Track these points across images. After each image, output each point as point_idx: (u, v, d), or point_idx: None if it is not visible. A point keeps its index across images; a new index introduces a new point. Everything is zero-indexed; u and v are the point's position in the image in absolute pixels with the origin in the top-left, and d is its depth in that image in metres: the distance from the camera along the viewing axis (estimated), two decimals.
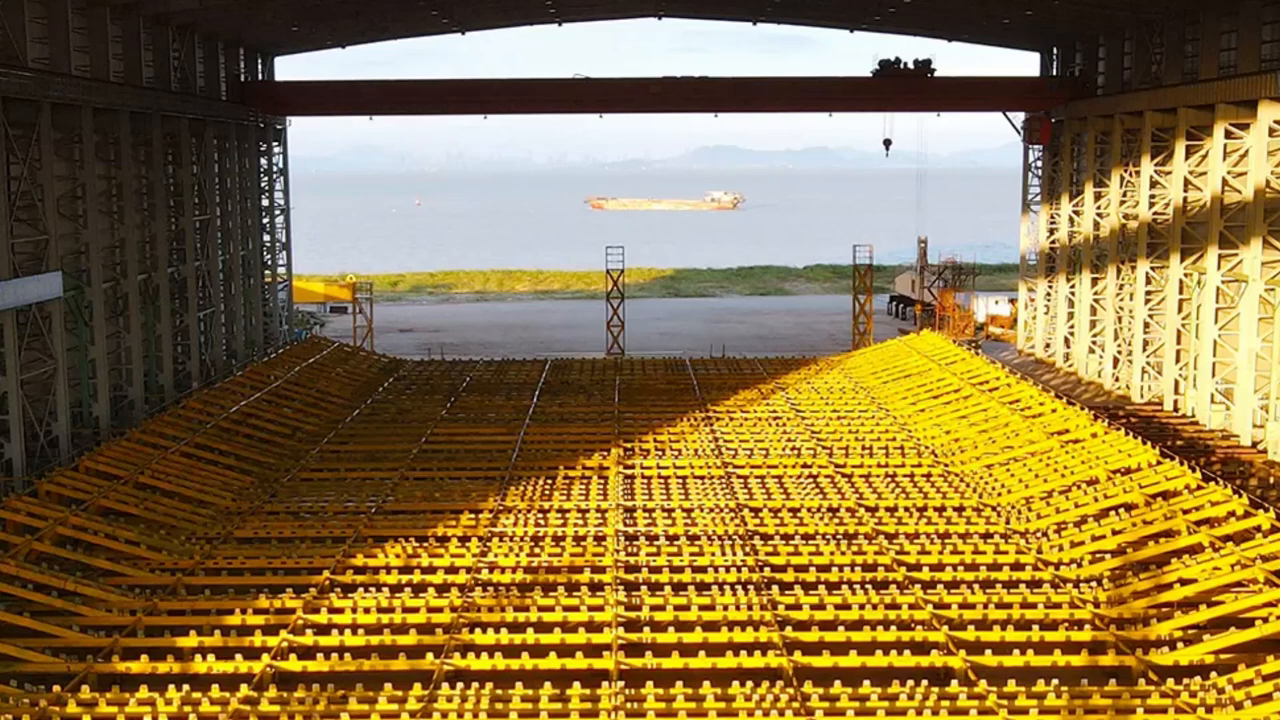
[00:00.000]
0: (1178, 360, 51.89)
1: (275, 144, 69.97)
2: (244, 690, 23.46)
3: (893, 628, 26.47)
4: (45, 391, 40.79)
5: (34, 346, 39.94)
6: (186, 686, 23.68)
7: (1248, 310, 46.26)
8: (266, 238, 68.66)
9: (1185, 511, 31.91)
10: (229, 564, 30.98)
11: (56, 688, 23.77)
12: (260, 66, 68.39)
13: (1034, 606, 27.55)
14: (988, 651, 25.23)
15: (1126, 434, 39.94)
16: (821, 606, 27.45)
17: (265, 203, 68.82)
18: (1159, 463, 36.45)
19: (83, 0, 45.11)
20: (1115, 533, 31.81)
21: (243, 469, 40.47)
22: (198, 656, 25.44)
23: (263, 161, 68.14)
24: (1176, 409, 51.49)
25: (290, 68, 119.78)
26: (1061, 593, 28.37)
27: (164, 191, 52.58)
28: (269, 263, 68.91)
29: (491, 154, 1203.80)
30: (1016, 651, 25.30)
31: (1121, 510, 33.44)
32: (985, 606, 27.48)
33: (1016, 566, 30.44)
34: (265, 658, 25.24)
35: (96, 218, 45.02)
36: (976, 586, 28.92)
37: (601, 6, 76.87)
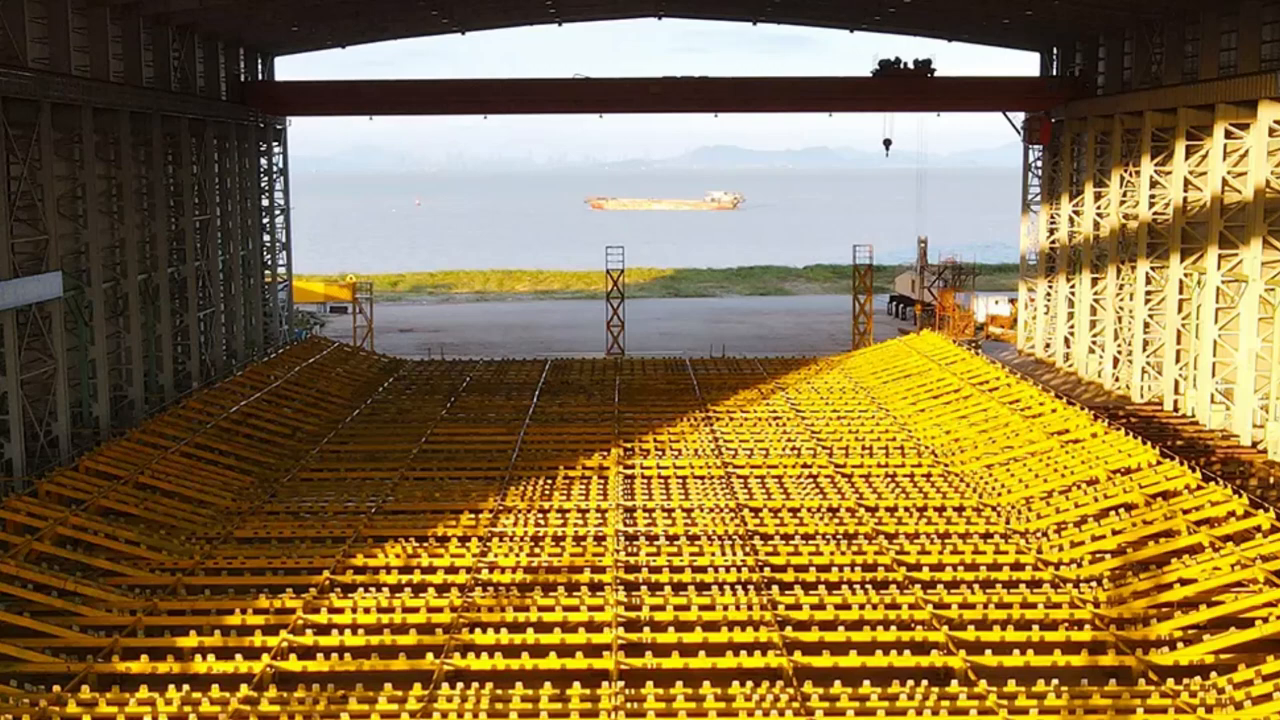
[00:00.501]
0: (1178, 360, 51.88)
1: (275, 144, 70.00)
2: (244, 690, 23.47)
3: (893, 628, 26.47)
4: (45, 391, 40.79)
5: (34, 346, 39.94)
6: (186, 686, 23.68)
7: (1248, 310, 46.26)
8: (266, 238, 68.68)
9: (1185, 511, 31.91)
10: (229, 564, 30.98)
11: (56, 688, 23.77)
12: (260, 66, 68.40)
13: (1034, 606, 27.55)
14: (988, 651, 25.23)
15: (1126, 434, 39.94)
16: (821, 606, 27.45)
17: (265, 203, 68.83)
18: (1159, 463, 36.45)
19: (83, 0, 45.12)
20: (1115, 533, 31.81)
21: (243, 469, 40.47)
22: (198, 656, 25.44)
23: (263, 161, 68.17)
24: (1176, 409, 51.49)
25: (290, 68, 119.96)
26: (1061, 593, 28.37)
27: (164, 191, 52.59)
28: (269, 263, 68.93)
29: (491, 154, 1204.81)
30: (1016, 651, 25.30)
31: (1121, 510, 33.43)
32: (985, 606, 27.48)
33: (1016, 566, 30.43)
34: (265, 658, 25.24)
35: (96, 218, 45.02)
36: (976, 586, 28.92)
37: (601, 6, 76.89)
